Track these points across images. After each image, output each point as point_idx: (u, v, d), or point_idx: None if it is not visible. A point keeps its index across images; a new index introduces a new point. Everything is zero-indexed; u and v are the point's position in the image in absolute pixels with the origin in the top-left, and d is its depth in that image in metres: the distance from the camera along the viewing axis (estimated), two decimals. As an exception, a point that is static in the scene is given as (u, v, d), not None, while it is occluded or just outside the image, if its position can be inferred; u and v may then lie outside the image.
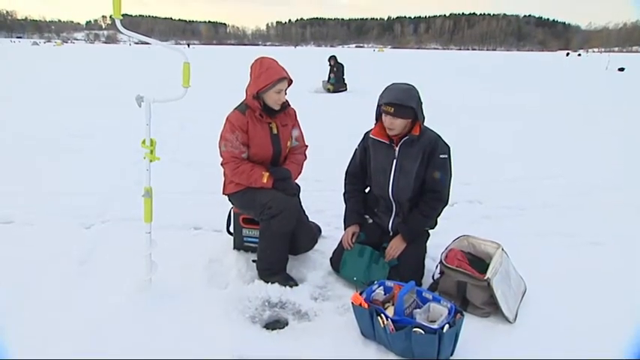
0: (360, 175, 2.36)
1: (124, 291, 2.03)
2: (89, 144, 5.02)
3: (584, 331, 1.86)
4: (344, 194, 2.41)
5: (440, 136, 2.15)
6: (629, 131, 6.53)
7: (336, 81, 10.84)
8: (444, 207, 2.18)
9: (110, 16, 1.83)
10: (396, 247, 2.15)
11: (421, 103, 2.08)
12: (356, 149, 2.35)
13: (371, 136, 2.21)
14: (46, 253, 2.42)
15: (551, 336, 1.84)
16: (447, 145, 2.14)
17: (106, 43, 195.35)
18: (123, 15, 1.75)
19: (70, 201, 3.23)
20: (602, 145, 5.56)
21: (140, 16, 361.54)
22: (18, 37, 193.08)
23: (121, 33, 1.85)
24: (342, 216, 2.37)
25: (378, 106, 2.10)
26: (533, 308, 2.02)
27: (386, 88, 2.09)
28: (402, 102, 1.99)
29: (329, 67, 10.96)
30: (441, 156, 2.10)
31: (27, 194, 3.34)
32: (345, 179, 2.41)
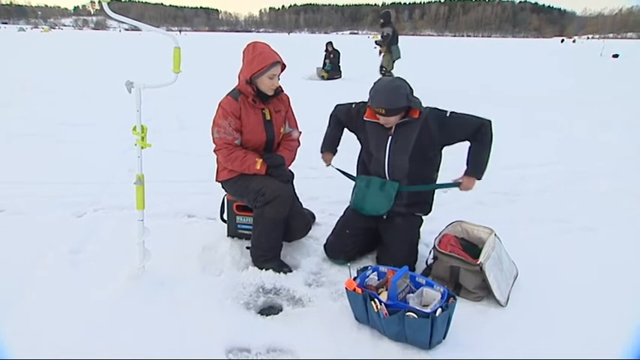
0: (343, 117, 2.40)
1: (118, 279, 2.02)
2: (81, 133, 4.94)
3: (575, 315, 1.90)
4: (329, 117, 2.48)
5: (434, 107, 2.15)
6: (624, 118, 6.56)
7: (332, 68, 10.73)
8: (490, 127, 2.13)
9: (99, 1, 1.77)
10: (467, 187, 2.18)
11: (411, 91, 2.08)
12: (353, 104, 2.35)
13: (365, 118, 2.21)
14: (38, 242, 2.40)
15: (542, 319, 1.87)
16: (443, 109, 2.15)
17: (95, 29, 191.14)
18: (111, -1, 1.70)
19: (61, 190, 3.20)
20: (596, 132, 5.58)
21: (130, 1, 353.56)
22: (3, 23, 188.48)
23: (110, 17, 1.80)
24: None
25: (369, 105, 2.12)
26: (524, 292, 2.04)
27: (374, 89, 2.08)
28: (392, 105, 2.02)
29: (325, 53, 10.84)
30: (448, 115, 2.10)
31: (17, 183, 3.29)
32: (333, 111, 2.47)
